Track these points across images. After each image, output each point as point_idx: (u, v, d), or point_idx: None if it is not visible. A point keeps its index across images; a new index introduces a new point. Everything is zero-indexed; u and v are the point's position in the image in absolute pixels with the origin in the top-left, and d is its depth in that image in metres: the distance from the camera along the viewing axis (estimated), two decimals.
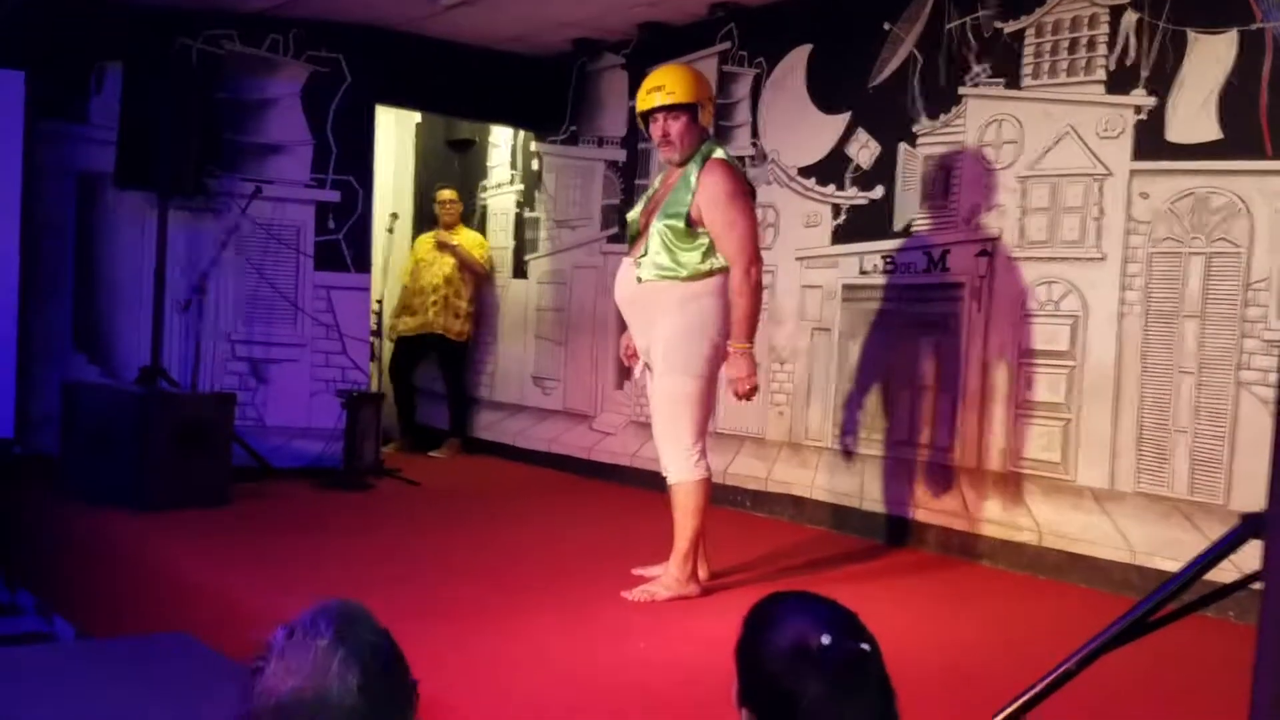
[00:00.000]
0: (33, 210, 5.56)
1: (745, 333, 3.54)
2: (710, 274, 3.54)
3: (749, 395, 3.58)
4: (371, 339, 6.32)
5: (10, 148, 5.44)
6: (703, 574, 3.73)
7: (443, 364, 6.96)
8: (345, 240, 6.09)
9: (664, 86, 3.60)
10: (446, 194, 6.91)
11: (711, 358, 3.56)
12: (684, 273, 3.54)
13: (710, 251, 3.54)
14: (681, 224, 3.53)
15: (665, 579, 3.56)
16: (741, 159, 5.38)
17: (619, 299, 3.75)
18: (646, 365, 3.72)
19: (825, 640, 1.32)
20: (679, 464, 3.55)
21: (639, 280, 3.61)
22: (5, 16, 5.44)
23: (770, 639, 1.37)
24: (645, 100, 3.63)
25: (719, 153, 3.62)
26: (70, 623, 4.47)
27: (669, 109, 3.59)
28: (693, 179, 3.57)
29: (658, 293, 3.58)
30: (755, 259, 3.55)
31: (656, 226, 3.57)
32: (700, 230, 3.53)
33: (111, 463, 4.76)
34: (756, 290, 3.54)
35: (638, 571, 3.81)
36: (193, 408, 4.94)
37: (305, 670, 1.19)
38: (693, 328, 3.53)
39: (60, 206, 5.75)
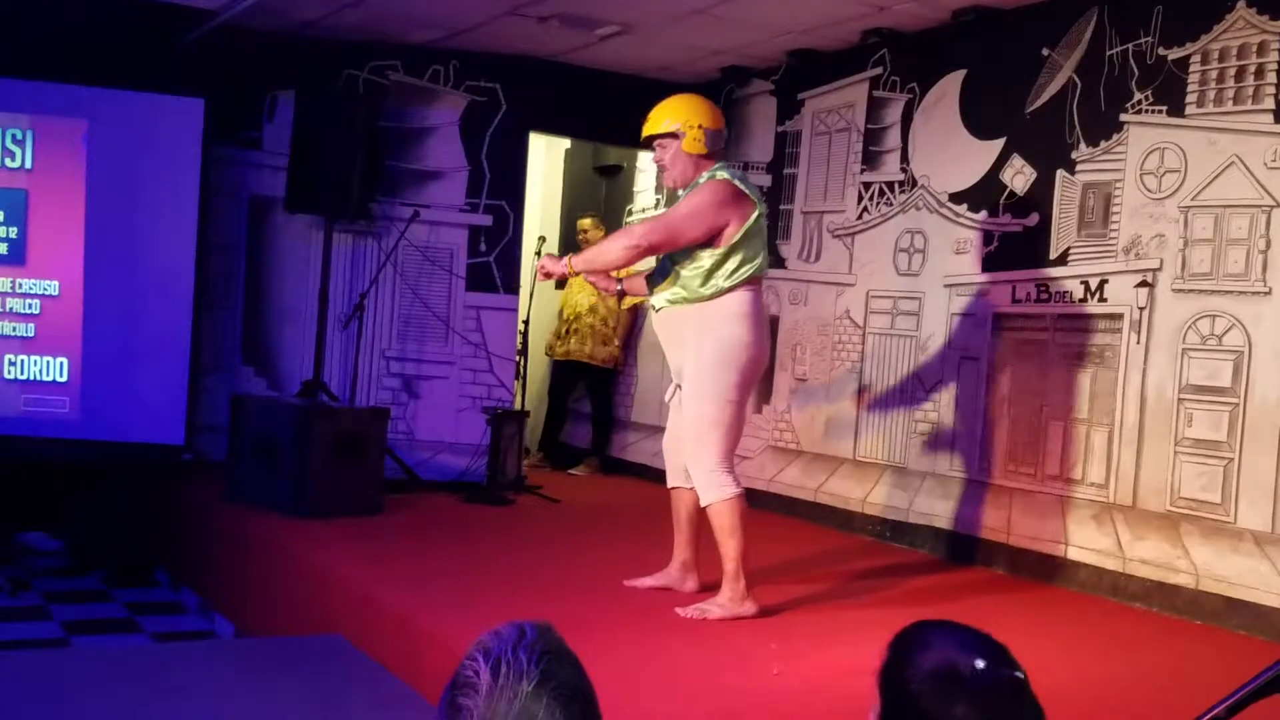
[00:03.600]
0: (207, 231, 5.93)
1: (582, 256, 3.78)
2: (716, 295, 3.60)
3: (541, 270, 3.80)
4: (517, 358, 6.49)
5: (189, 171, 5.81)
6: (691, 585, 3.80)
7: (590, 389, 7.12)
8: (496, 262, 6.31)
9: (650, 116, 3.77)
10: (585, 222, 7.06)
11: (740, 384, 3.63)
12: (688, 295, 3.63)
13: (713, 274, 3.60)
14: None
15: (719, 598, 3.62)
16: (891, 184, 5.38)
17: (654, 324, 3.90)
18: (678, 385, 3.79)
19: (979, 665, 1.30)
20: (708, 485, 3.61)
21: (655, 310, 3.76)
22: (188, 47, 5.83)
23: (920, 662, 1.34)
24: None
25: (723, 174, 3.66)
26: (230, 621, 4.72)
27: (654, 138, 3.77)
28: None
29: (676, 318, 3.69)
30: (654, 238, 3.59)
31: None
32: (699, 252, 3.59)
33: (273, 471, 5.01)
34: (626, 250, 3.61)
35: (630, 583, 3.91)
36: (350, 421, 5.14)
37: (512, 714, 1.18)
38: (722, 358, 3.60)
39: (233, 227, 6.13)
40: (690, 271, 3.63)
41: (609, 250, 3.69)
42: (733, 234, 3.59)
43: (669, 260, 3.69)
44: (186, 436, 5.80)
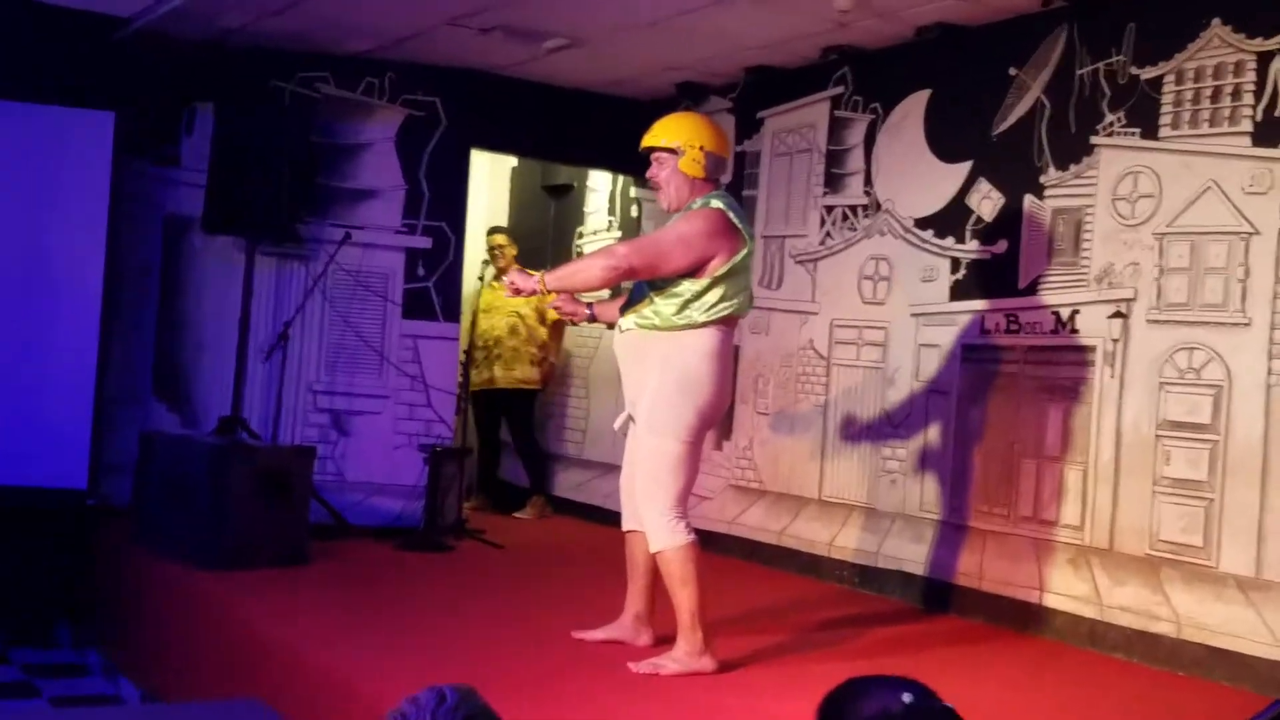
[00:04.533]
0: (117, 253, 5.87)
1: (556, 273, 3.73)
2: (688, 328, 3.63)
3: (510, 287, 3.79)
4: (458, 391, 6.49)
5: (98, 189, 5.75)
6: (646, 638, 3.83)
7: (508, 416, 7.12)
8: (435, 288, 6.31)
9: (652, 128, 3.82)
10: (498, 238, 7.05)
11: (697, 425, 3.65)
12: (659, 322, 3.66)
13: (689, 305, 3.63)
14: None
15: (674, 652, 3.63)
16: (854, 208, 5.47)
17: (614, 345, 3.90)
18: (630, 417, 3.81)
19: (907, 698, 1.41)
20: (657, 530, 3.63)
21: (621, 330, 3.78)
22: (98, 57, 5.79)
23: (854, 708, 1.48)
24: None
25: (717, 202, 3.71)
26: (137, 686, 4.65)
27: (650, 151, 3.81)
28: None
29: (639, 343, 3.72)
30: (637, 260, 3.61)
31: None
32: (680, 280, 3.63)
33: (187, 516, 4.95)
34: (605, 270, 3.62)
35: (579, 635, 3.93)
36: (272, 460, 5.10)
37: None
38: (680, 389, 3.63)
39: (146, 249, 6.09)
40: (666, 299, 3.66)
41: (587, 269, 3.70)
42: (717, 267, 3.62)
43: (647, 285, 3.72)
44: (90, 479, 5.72)
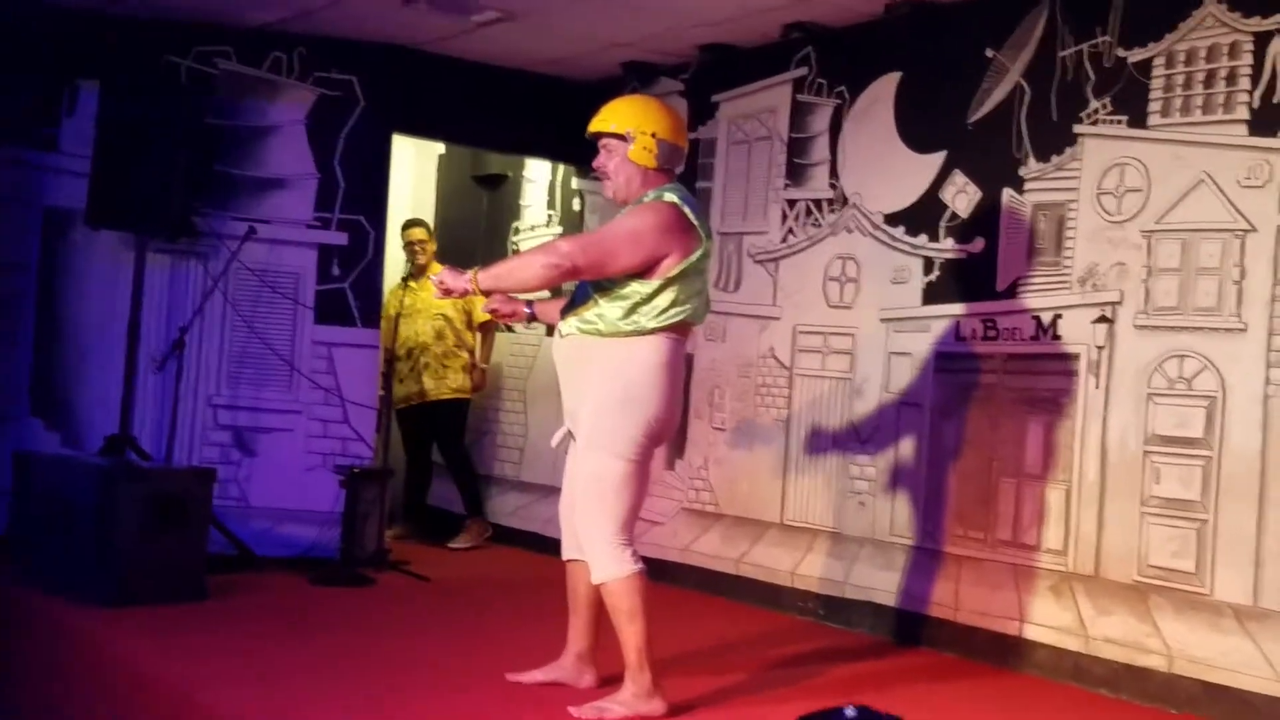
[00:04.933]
0: None
1: (490, 271, 3.74)
2: (635, 334, 3.66)
3: (440, 287, 3.79)
4: (379, 405, 6.48)
5: None
6: (589, 679, 3.88)
7: (438, 431, 7.11)
8: (352, 289, 6.31)
9: (600, 113, 3.86)
10: (416, 232, 7.05)
11: (643, 440, 3.68)
12: (603, 327, 3.69)
13: (637, 309, 3.67)
14: None
15: (621, 694, 3.66)
16: (818, 202, 5.55)
17: (553, 351, 3.93)
18: (570, 432, 3.85)
19: (850, 712, 1.50)
20: (600, 559, 3.66)
21: (561, 335, 3.81)
22: None
23: None
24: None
25: (671, 195, 3.75)
26: None
27: (598, 137, 3.85)
28: None
29: (581, 350, 3.75)
30: (581, 259, 3.62)
31: None
32: (628, 281, 3.67)
33: (69, 547, 4.93)
34: (546, 269, 3.63)
35: (514, 678, 3.96)
36: (166, 484, 5.05)
37: None
38: (624, 402, 3.66)
39: (21, 245, 6.03)
40: (612, 302, 3.68)
41: (525, 267, 3.71)
42: (670, 268, 3.65)
43: (591, 286, 3.74)
44: None
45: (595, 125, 3.85)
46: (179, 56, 6.10)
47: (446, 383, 6.99)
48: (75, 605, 4.73)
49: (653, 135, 3.76)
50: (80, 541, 4.89)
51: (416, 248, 7.01)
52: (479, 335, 7.10)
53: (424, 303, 6.86)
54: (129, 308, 5.77)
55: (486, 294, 3.83)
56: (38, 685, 4.56)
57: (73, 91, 6.08)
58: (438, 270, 3.92)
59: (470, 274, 3.74)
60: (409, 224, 7.14)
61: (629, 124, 3.79)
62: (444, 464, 7.18)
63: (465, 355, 7.04)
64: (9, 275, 6.00)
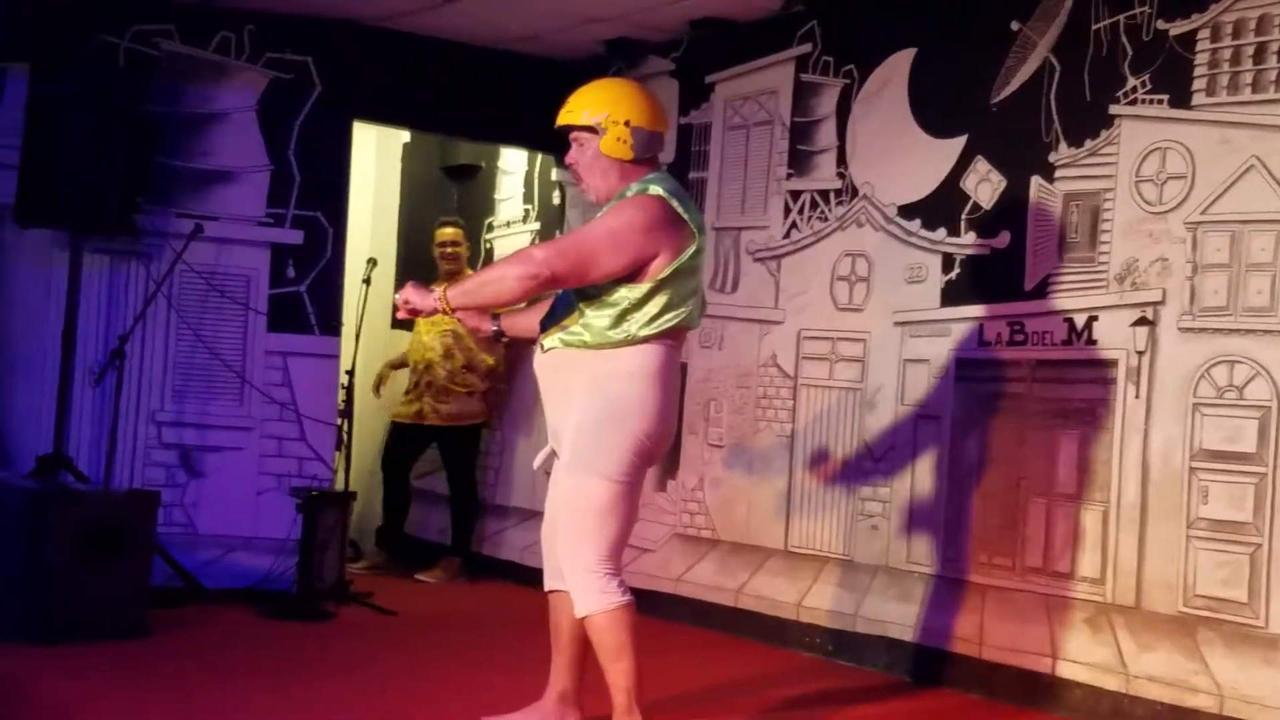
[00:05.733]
0: None
1: (460, 288, 3.71)
2: (626, 344, 3.62)
3: (405, 307, 3.80)
4: (339, 421, 6.43)
5: None
6: None
7: (445, 459, 7.09)
8: (309, 293, 6.29)
9: (567, 103, 3.81)
10: (448, 232, 7.04)
11: (634, 462, 3.64)
12: (589, 338, 3.66)
13: (626, 316, 3.62)
14: None
15: None
16: (825, 194, 5.49)
17: (534, 367, 3.89)
18: (554, 452, 3.82)
19: None
20: (584, 591, 3.62)
21: (543, 349, 3.77)
22: None
23: None
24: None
25: (656, 188, 3.69)
26: None
27: (568, 130, 3.80)
28: None
29: (567, 363, 3.71)
30: (560, 266, 3.57)
31: None
32: (614, 287, 3.62)
33: None
34: (520, 281, 3.58)
35: None
36: (104, 509, 5.07)
37: None
38: (611, 416, 3.62)
39: None
40: (598, 311, 3.64)
41: (498, 280, 3.66)
42: (660, 269, 3.61)
43: (575, 293, 3.70)
44: None
45: (563, 118, 3.81)
46: (116, 37, 6.05)
47: (445, 408, 6.93)
48: (3, 643, 4.72)
49: (626, 124, 3.72)
50: (8, 571, 4.91)
51: (449, 250, 6.95)
52: (503, 352, 6.98)
53: (438, 316, 6.77)
54: (63, 314, 5.75)
55: (456, 312, 3.80)
56: None
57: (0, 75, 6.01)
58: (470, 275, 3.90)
59: (439, 291, 3.70)
60: (441, 223, 7.11)
61: (598, 113, 3.74)
62: (448, 493, 7.12)
63: (476, 380, 6.95)
64: None
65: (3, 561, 4.91)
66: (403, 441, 7.11)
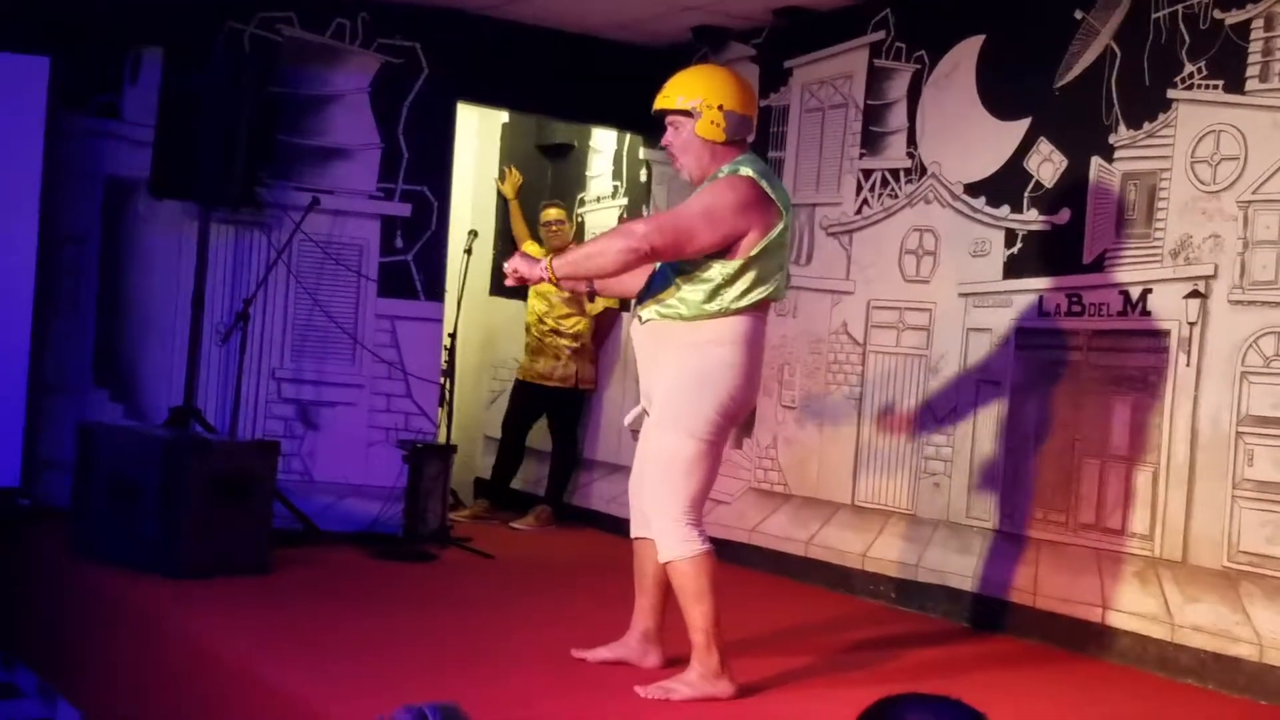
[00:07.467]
0: (52, 219, 5.91)
1: (566, 259, 3.76)
2: (719, 315, 3.66)
3: (514, 275, 3.79)
4: (442, 380, 6.52)
5: (30, 145, 5.80)
6: (654, 659, 3.88)
7: (549, 416, 7.18)
8: (415, 262, 6.37)
9: (664, 88, 3.84)
10: (553, 213, 7.12)
11: (718, 419, 3.68)
12: (685, 311, 3.69)
13: (720, 290, 3.66)
14: None
15: (687, 675, 3.67)
16: (895, 172, 5.51)
17: (631, 335, 3.94)
18: (645, 411, 3.87)
19: None
20: (668, 538, 3.67)
21: (640, 321, 3.81)
22: None
23: None
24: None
25: (747, 169, 3.71)
26: (76, 708, 4.71)
27: (664, 114, 3.82)
28: None
29: (661, 334, 3.75)
30: (659, 240, 3.59)
31: None
32: (709, 262, 3.66)
33: (134, 520, 5.01)
34: (622, 253, 3.61)
35: (579, 654, 3.98)
36: (230, 458, 5.15)
37: None
38: (701, 379, 3.66)
39: (84, 216, 6.11)
40: (693, 285, 3.68)
41: (601, 253, 3.70)
42: (751, 245, 3.64)
43: (671, 269, 3.74)
44: (23, 476, 5.78)
45: (660, 102, 3.84)
46: (242, 23, 6.15)
47: (536, 368, 7.03)
48: (138, 578, 4.82)
49: (719, 108, 3.75)
50: (145, 515, 4.97)
51: (554, 228, 7.04)
52: (595, 321, 7.09)
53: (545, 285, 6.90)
54: (193, 279, 5.87)
55: (562, 282, 3.86)
56: (99, 657, 4.66)
57: (135, 59, 6.13)
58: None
59: (545, 262, 3.75)
60: (546, 205, 7.20)
61: (693, 98, 3.77)
62: (548, 449, 7.19)
63: (562, 343, 7.01)
64: (73, 246, 6.09)
65: (140, 505, 4.97)
66: (518, 400, 7.17)
